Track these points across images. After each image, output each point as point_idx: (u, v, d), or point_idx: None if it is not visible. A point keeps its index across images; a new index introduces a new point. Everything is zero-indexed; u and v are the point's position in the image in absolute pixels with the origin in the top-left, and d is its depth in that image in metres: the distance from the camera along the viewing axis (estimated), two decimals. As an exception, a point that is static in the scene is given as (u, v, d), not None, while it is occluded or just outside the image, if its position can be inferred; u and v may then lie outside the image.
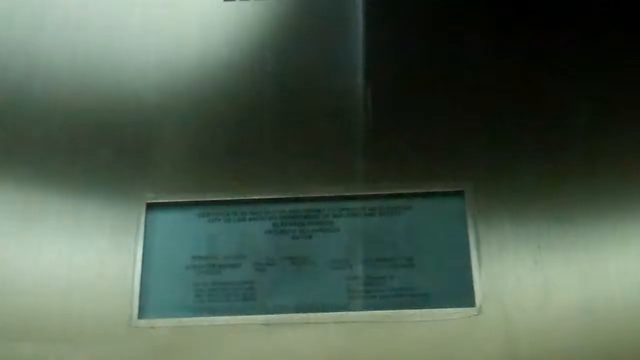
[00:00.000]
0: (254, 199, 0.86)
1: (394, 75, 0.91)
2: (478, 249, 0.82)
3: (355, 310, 0.81)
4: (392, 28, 0.94)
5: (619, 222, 0.84)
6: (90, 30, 0.96)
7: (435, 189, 0.85)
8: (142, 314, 0.82)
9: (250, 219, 0.85)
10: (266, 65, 0.93)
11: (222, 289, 0.82)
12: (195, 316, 0.81)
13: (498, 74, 0.91)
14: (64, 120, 0.91)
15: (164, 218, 0.86)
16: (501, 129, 0.88)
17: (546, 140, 0.87)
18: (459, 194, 0.85)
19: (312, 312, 0.81)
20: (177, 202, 0.86)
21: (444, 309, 0.80)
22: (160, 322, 0.81)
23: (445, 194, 0.85)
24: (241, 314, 0.81)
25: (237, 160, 0.88)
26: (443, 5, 0.95)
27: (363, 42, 0.93)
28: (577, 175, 0.86)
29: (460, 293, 0.81)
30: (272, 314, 0.81)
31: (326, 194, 0.86)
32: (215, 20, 0.96)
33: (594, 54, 0.92)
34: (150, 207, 0.86)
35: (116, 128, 0.91)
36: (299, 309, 0.81)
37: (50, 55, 0.95)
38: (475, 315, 0.80)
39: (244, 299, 0.82)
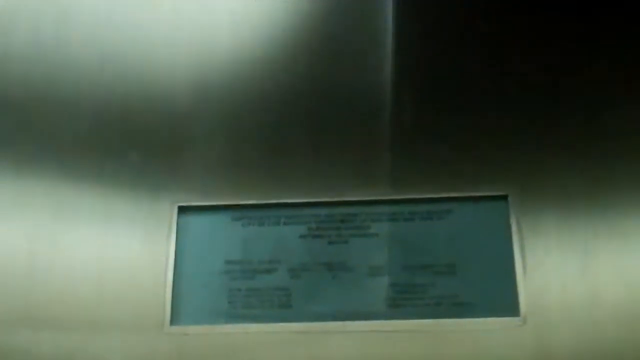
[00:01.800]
0: (289, 203, 0.83)
1: (432, 75, 0.88)
2: (523, 256, 0.79)
3: (394, 319, 0.78)
4: (425, 26, 0.91)
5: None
6: (119, 28, 0.94)
7: (477, 193, 0.82)
8: (174, 320, 0.80)
9: (285, 223, 0.83)
10: (298, 66, 0.90)
11: (257, 295, 0.80)
12: (229, 323, 0.79)
13: (545, 74, 0.88)
14: (94, 121, 0.89)
15: (196, 221, 0.83)
16: (547, 132, 0.85)
17: (593, 144, 0.84)
18: (503, 198, 0.81)
19: (349, 320, 0.78)
20: (209, 205, 0.84)
21: (487, 319, 0.77)
22: (192, 329, 0.79)
23: (488, 198, 0.82)
24: (276, 322, 0.79)
25: (270, 163, 0.85)
26: (474, 6, 0.92)
27: (395, 41, 0.90)
28: (624, 179, 0.83)
29: (504, 302, 0.78)
30: (308, 321, 0.79)
31: (363, 198, 0.83)
32: (246, 17, 0.93)
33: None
34: (182, 210, 0.84)
35: (146, 129, 0.88)
36: (336, 317, 0.79)
37: (78, 55, 0.92)
38: (520, 325, 0.77)
39: (279, 306, 0.79)
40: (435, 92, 0.88)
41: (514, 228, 0.80)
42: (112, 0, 0.95)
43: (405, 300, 0.79)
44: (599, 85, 0.87)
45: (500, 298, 0.78)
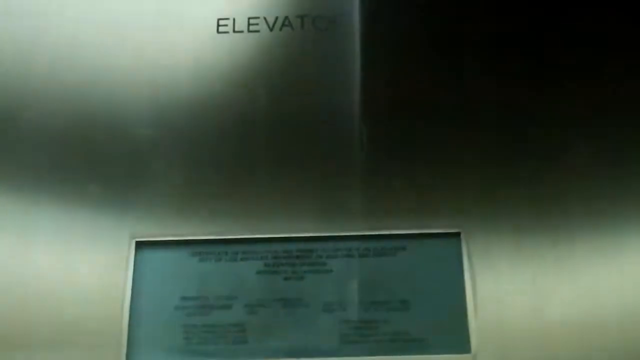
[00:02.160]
0: (246, 238, 0.84)
1: (390, 113, 0.90)
2: (474, 292, 0.81)
3: (348, 356, 0.79)
4: (389, 64, 0.93)
5: (626, 265, 0.82)
6: (82, 63, 0.94)
7: (430, 230, 0.84)
8: (130, 355, 0.80)
9: (242, 259, 0.84)
10: (259, 101, 0.91)
11: (213, 331, 0.81)
12: (185, 359, 0.80)
13: (498, 111, 0.90)
14: (54, 152, 0.90)
15: (153, 256, 0.84)
16: (499, 168, 0.87)
17: (544, 181, 0.86)
18: (456, 235, 0.83)
19: (304, 357, 0.79)
20: (167, 240, 0.84)
21: (439, 356, 0.79)
22: (148, 366, 0.80)
23: (441, 235, 0.83)
24: (231, 358, 0.79)
25: (229, 198, 0.86)
26: (442, 43, 0.94)
27: (359, 79, 0.92)
28: (576, 215, 0.84)
29: (455, 338, 0.79)
30: (263, 358, 0.79)
31: (319, 234, 0.84)
32: (208, 52, 0.94)
33: (599, 97, 0.91)
34: (140, 245, 0.84)
35: (106, 162, 0.89)
36: (290, 354, 0.79)
37: (40, 88, 0.93)
38: (470, 361, 0.78)
39: (235, 342, 0.80)
40: (392, 129, 0.90)
41: (466, 264, 0.82)
42: (74, 37, 0.96)
43: (359, 337, 0.80)
44: (553, 123, 0.89)
45: (452, 334, 0.79)
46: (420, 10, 0.96)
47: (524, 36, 0.94)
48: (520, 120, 0.90)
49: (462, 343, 0.79)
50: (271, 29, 0.96)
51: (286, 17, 0.96)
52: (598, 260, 0.83)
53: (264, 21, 0.96)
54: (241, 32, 0.95)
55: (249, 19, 0.96)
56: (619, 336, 0.79)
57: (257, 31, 0.96)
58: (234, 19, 0.96)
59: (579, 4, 0.95)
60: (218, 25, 0.96)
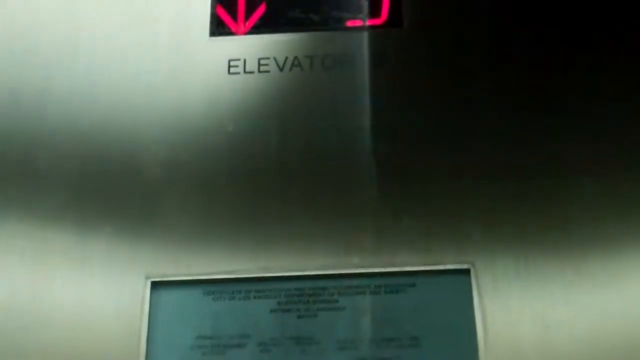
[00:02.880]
0: (259, 277, 0.86)
1: (400, 150, 0.91)
2: (485, 328, 0.82)
3: (361, 392, 0.80)
4: (398, 103, 0.94)
5: (634, 293, 0.83)
6: (96, 104, 0.96)
7: (441, 267, 0.85)
8: (147, 394, 0.81)
9: (255, 297, 0.85)
10: (270, 140, 0.93)
11: (227, 370, 0.82)
12: (200, 398, 0.81)
13: (505, 146, 0.91)
14: (69, 195, 0.92)
15: (168, 296, 0.85)
16: (506, 204, 0.88)
17: (550, 213, 0.87)
18: (465, 272, 0.84)
19: (317, 394, 0.80)
20: (181, 280, 0.86)
21: (450, 392, 0.80)
22: (164, 405, 0.81)
23: (450, 272, 0.84)
24: (246, 396, 0.81)
25: (241, 237, 0.88)
26: (450, 80, 0.95)
27: (368, 118, 0.93)
28: (582, 246, 0.85)
29: (466, 375, 0.80)
30: (277, 395, 0.81)
31: (330, 272, 0.85)
32: (220, 93, 0.96)
33: (602, 126, 0.92)
34: (155, 285, 0.86)
35: (120, 203, 0.91)
36: (304, 391, 0.81)
37: (54, 130, 0.95)
38: (481, 397, 0.79)
39: (249, 380, 0.81)
40: (401, 167, 0.91)
41: (476, 300, 0.83)
42: (88, 78, 0.98)
43: (372, 375, 0.81)
44: (558, 155, 0.90)
45: (463, 370, 0.80)
46: (426, 47, 0.98)
47: (530, 64, 0.96)
48: (528, 153, 0.91)
49: (473, 379, 0.80)
50: (281, 69, 0.97)
51: (295, 57, 0.98)
52: (606, 290, 0.83)
53: (274, 61, 0.98)
54: (252, 72, 0.97)
55: (259, 59, 0.98)
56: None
57: (268, 71, 0.97)
58: (244, 60, 0.98)
59: (586, 29, 0.97)
60: (229, 67, 0.98)
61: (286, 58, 0.98)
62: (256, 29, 0.99)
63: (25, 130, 0.96)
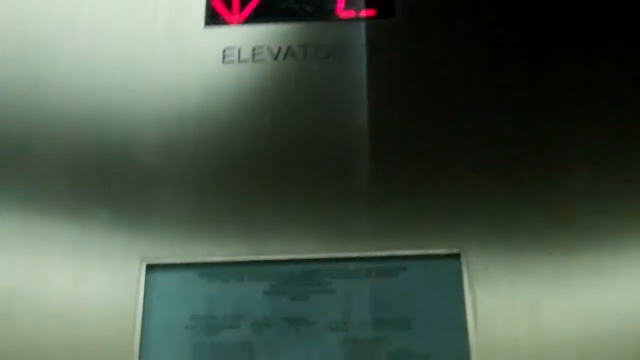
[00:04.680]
0: (252, 260, 0.87)
1: (393, 138, 0.93)
2: (474, 311, 0.83)
3: (352, 373, 0.82)
4: (394, 90, 0.96)
5: (623, 282, 0.84)
6: (93, 93, 0.97)
7: (431, 251, 0.86)
8: (141, 375, 0.82)
9: (248, 280, 0.86)
10: (264, 128, 0.94)
11: (221, 349, 0.83)
12: (194, 378, 0.82)
13: (500, 135, 0.92)
14: (66, 180, 0.93)
15: (163, 278, 0.87)
16: (497, 191, 0.89)
17: (541, 202, 0.88)
18: (455, 256, 0.85)
19: (309, 374, 0.82)
20: (176, 263, 0.87)
21: (440, 372, 0.81)
22: (159, 384, 0.82)
23: (441, 256, 0.86)
24: (239, 376, 0.82)
25: (236, 221, 0.89)
26: (445, 68, 0.97)
27: (362, 106, 0.95)
28: (573, 234, 0.87)
29: (456, 357, 0.81)
30: (270, 375, 0.82)
31: (323, 255, 0.87)
32: (215, 82, 0.98)
33: (598, 115, 0.93)
34: (151, 267, 0.87)
35: (117, 189, 0.92)
36: (296, 371, 0.82)
37: (53, 116, 0.96)
38: (470, 379, 0.81)
39: (242, 360, 0.83)
40: (395, 153, 0.92)
41: (466, 284, 0.84)
42: (86, 64, 0.99)
43: (363, 355, 0.82)
44: (551, 145, 0.92)
45: (453, 353, 0.81)
46: (418, 38, 0.99)
47: (523, 54, 0.97)
48: (520, 144, 0.92)
49: (462, 360, 0.81)
50: (275, 58, 0.99)
51: (289, 47, 0.99)
52: (595, 278, 0.85)
53: (268, 51, 0.99)
54: (246, 61, 0.99)
55: (253, 49, 0.99)
56: (617, 352, 0.82)
57: (262, 61, 0.99)
58: (239, 49, 0.99)
59: (586, 27, 0.98)
60: (224, 56, 0.99)
61: (280, 47, 0.99)
62: (251, 19, 1.01)
63: (23, 118, 0.97)
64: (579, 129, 0.92)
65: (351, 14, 1.00)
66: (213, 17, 1.01)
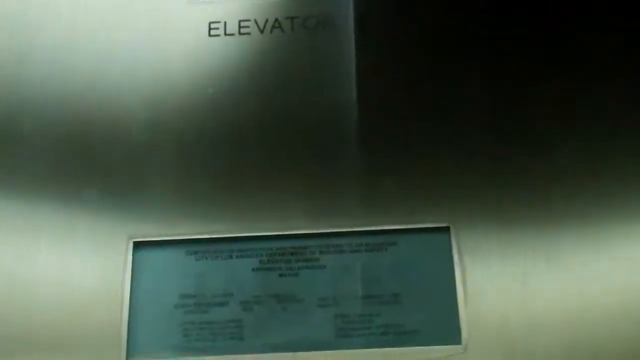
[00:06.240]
0: (241, 237, 0.86)
1: (382, 112, 0.92)
2: (464, 285, 0.83)
3: (342, 349, 0.81)
4: (383, 64, 0.95)
5: (612, 256, 0.84)
6: (77, 69, 0.96)
7: (420, 225, 0.86)
8: (131, 353, 0.82)
9: (237, 257, 0.86)
10: (251, 102, 0.93)
11: (210, 328, 0.83)
12: (184, 356, 0.82)
13: (487, 110, 0.92)
14: (52, 158, 0.92)
15: (151, 256, 0.86)
16: (486, 165, 0.89)
17: (531, 176, 0.88)
18: (445, 229, 0.85)
19: (300, 350, 0.81)
20: (164, 240, 0.86)
21: (430, 347, 0.81)
22: (149, 362, 0.82)
23: (430, 230, 0.85)
24: (229, 354, 0.82)
25: (223, 197, 0.88)
26: (434, 43, 0.96)
27: (350, 80, 0.94)
28: (563, 209, 0.86)
29: (446, 330, 0.81)
30: (260, 352, 0.82)
31: (312, 231, 0.86)
32: (201, 56, 0.96)
33: (586, 96, 0.92)
34: (138, 245, 0.86)
35: (103, 166, 0.91)
36: (286, 348, 0.82)
37: (38, 93, 0.95)
38: (461, 352, 0.80)
39: (232, 338, 0.82)
40: (383, 128, 0.92)
41: (455, 258, 0.84)
42: (69, 43, 0.98)
43: (353, 330, 0.82)
44: (538, 121, 0.91)
45: (443, 326, 0.81)
46: (411, 9, 0.98)
47: (512, 38, 0.96)
48: (506, 119, 0.91)
49: (453, 334, 0.81)
50: (262, 31, 0.98)
51: (276, 20, 0.98)
52: (585, 253, 0.85)
53: (254, 24, 0.98)
54: (232, 35, 0.97)
55: (240, 21, 0.98)
56: (606, 327, 0.81)
57: (248, 34, 0.97)
58: (225, 22, 0.98)
59: (568, 4, 0.97)
60: (210, 29, 0.98)
61: (267, 20, 0.98)
62: (236, -8, 1.00)
63: (7, 96, 0.96)
64: (565, 105, 0.92)
65: (339, -15, 0.99)
66: (198, -10, 1.00)
